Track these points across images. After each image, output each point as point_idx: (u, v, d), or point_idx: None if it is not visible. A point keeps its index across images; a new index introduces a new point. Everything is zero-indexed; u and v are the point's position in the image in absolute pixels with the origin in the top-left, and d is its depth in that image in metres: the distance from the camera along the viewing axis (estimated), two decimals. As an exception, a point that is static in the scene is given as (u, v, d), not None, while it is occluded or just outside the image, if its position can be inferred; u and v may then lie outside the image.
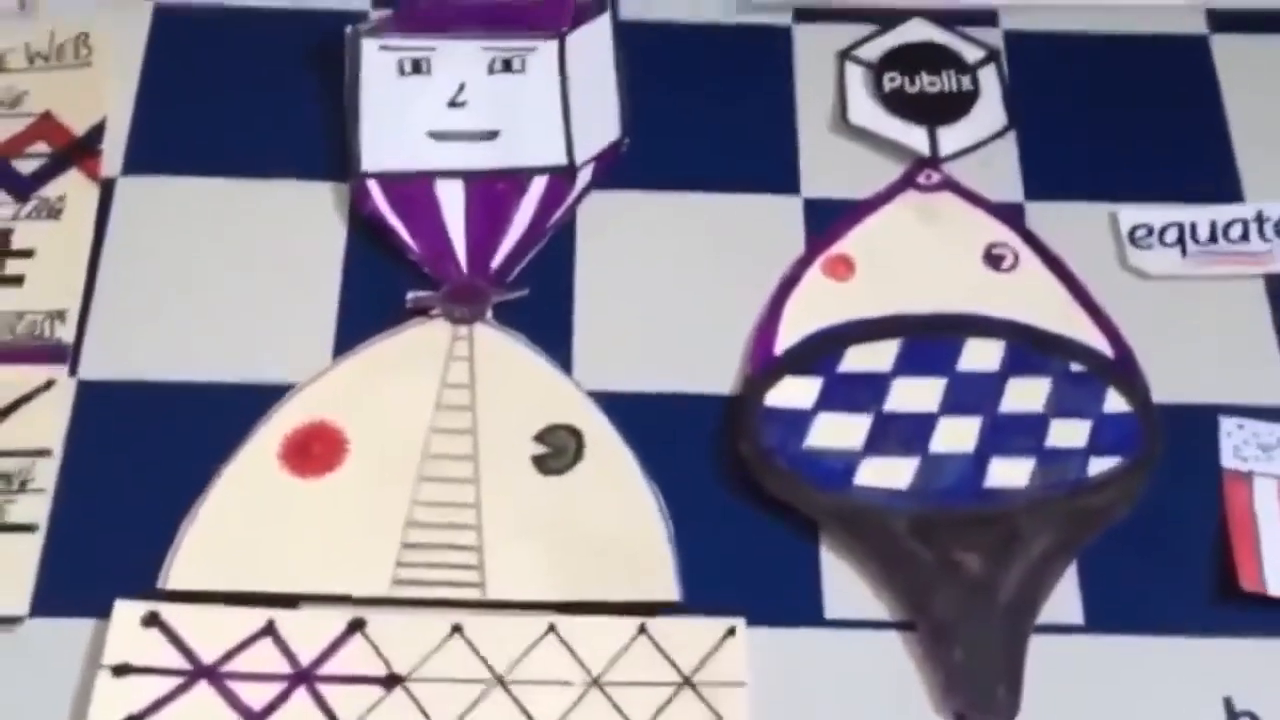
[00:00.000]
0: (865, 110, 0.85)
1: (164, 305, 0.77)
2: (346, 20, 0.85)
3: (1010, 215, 0.81)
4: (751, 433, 0.74)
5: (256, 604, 0.68)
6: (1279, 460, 0.74)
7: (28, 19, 0.85)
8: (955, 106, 0.85)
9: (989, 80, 0.86)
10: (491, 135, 0.83)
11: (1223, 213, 0.81)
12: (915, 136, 0.84)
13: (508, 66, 0.84)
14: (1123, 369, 0.76)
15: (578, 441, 0.73)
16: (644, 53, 0.85)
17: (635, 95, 0.84)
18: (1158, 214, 0.81)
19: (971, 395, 0.75)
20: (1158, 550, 0.72)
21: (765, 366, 0.76)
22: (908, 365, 0.76)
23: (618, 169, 0.82)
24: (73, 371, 0.75)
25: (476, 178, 0.81)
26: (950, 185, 0.82)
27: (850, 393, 0.75)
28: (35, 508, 0.71)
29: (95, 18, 0.85)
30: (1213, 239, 0.80)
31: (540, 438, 0.73)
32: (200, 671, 0.67)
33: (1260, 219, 0.81)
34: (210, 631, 0.67)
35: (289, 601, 0.69)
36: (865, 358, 0.76)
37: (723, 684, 0.67)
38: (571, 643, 0.68)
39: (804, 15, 0.88)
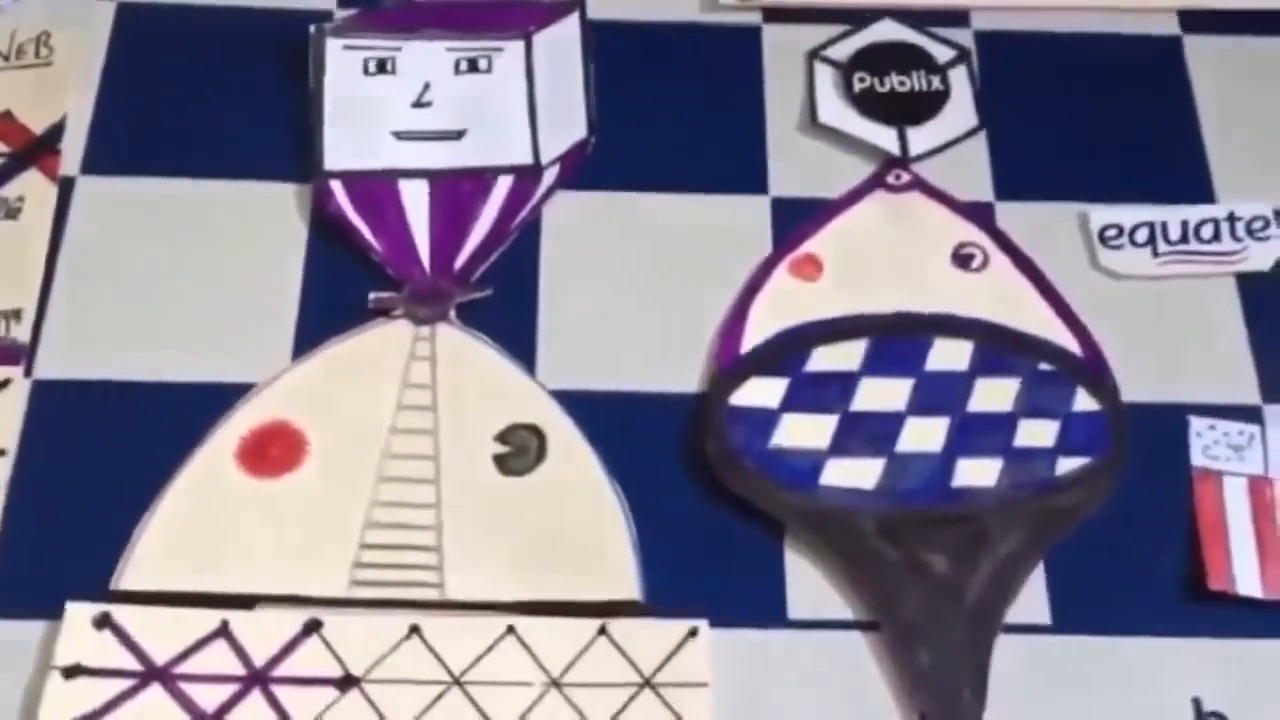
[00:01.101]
0: (835, 110, 0.84)
1: (122, 305, 0.76)
2: (311, 19, 0.84)
3: (980, 215, 0.81)
4: (717, 432, 0.73)
5: (211, 605, 0.67)
6: (1249, 460, 0.73)
7: (-12, 18, 0.85)
8: (925, 106, 0.84)
9: (959, 80, 0.85)
10: (457, 135, 0.82)
11: (1194, 213, 0.81)
12: (885, 136, 0.83)
13: (474, 66, 0.84)
14: (1092, 369, 0.76)
15: (540, 441, 0.72)
16: (611, 52, 0.85)
17: (602, 95, 0.83)
18: (1128, 214, 0.80)
19: (939, 395, 0.74)
20: (1126, 550, 0.71)
21: (731, 366, 0.75)
22: (875, 365, 0.75)
23: (584, 169, 0.81)
24: (28, 371, 0.74)
25: (441, 177, 0.80)
26: (920, 185, 0.82)
27: (817, 393, 0.74)
28: (-12, 508, 0.70)
29: (57, 16, 0.84)
30: (1184, 239, 0.80)
31: (502, 438, 0.73)
32: (152, 673, 0.66)
33: (1231, 219, 0.80)
34: (163, 633, 0.66)
35: (244, 602, 0.68)
36: (832, 358, 0.75)
37: (684, 685, 0.66)
38: (531, 644, 0.67)
39: (773, 15, 0.87)
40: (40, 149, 0.80)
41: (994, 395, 0.74)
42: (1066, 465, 0.72)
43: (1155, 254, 0.79)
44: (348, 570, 0.69)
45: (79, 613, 0.67)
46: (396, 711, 0.65)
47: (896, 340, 0.76)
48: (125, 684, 0.65)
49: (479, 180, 0.80)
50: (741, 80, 0.85)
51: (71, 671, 0.65)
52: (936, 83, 0.85)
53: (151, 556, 0.69)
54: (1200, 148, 0.83)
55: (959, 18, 0.87)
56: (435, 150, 0.81)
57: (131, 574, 0.68)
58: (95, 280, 0.77)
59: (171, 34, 0.85)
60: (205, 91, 0.83)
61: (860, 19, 0.87)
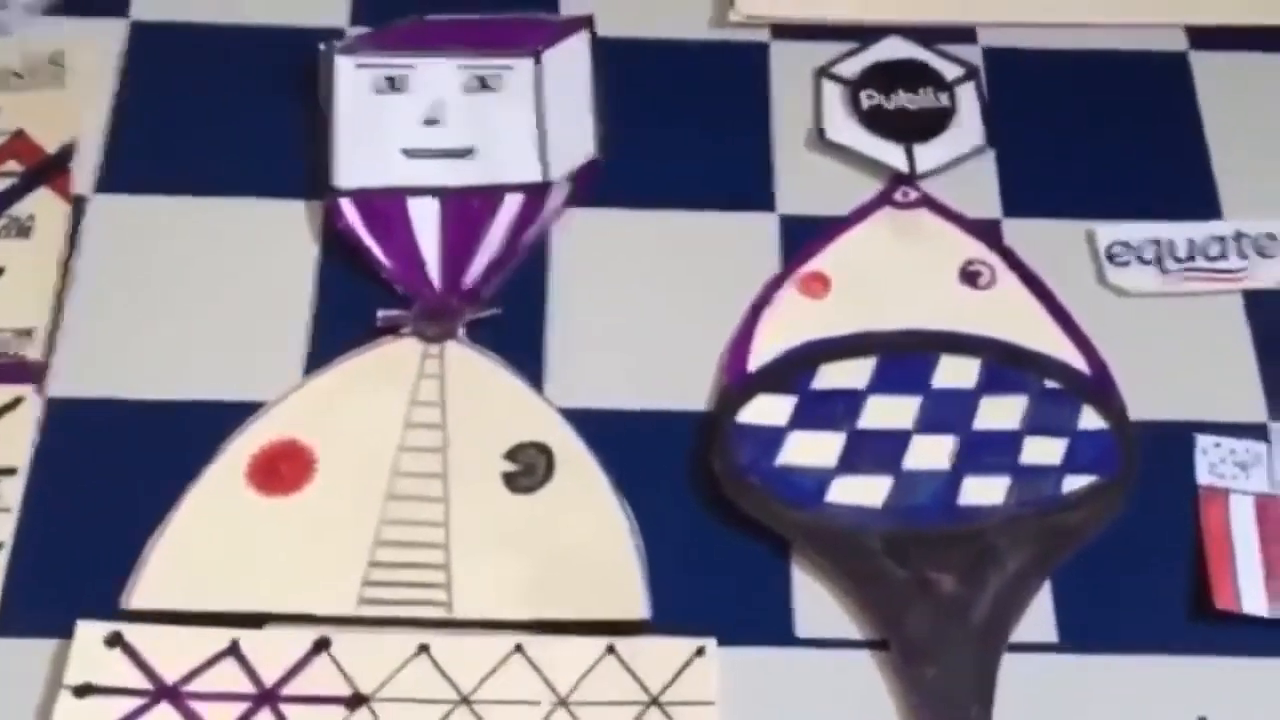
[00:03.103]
0: (843, 127, 0.84)
1: (134, 323, 0.77)
2: (323, 38, 0.85)
3: (988, 232, 0.81)
4: (724, 450, 0.73)
5: (221, 624, 0.68)
6: (1255, 478, 0.73)
7: (1, 37, 0.85)
8: (933, 124, 0.84)
9: (967, 97, 0.85)
10: (467, 153, 0.82)
11: (1201, 230, 0.81)
12: (893, 154, 0.83)
13: (484, 84, 0.84)
14: (1099, 386, 0.76)
15: (548, 459, 0.73)
16: (621, 70, 0.85)
17: (611, 112, 0.84)
18: (1136, 231, 0.81)
19: (946, 413, 0.74)
20: (1132, 568, 0.71)
21: (739, 384, 0.75)
22: (882, 383, 0.75)
23: (593, 186, 0.82)
24: (40, 390, 0.74)
25: (451, 195, 0.81)
26: (928, 202, 0.82)
27: (824, 410, 0.74)
28: (0, 527, 0.70)
29: (70, 36, 0.85)
30: (1190, 256, 0.80)
31: (510, 456, 0.73)
32: (162, 692, 0.66)
33: (1238, 237, 0.81)
34: (173, 651, 0.67)
35: (254, 621, 0.68)
36: (839, 375, 0.76)
37: (691, 703, 0.66)
38: (539, 662, 0.67)
39: (781, 32, 0.87)
40: (53, 168, 0.81)
41: (1001, 413, 0.74)
42: (1073, 483, 0.73)
43: (1162, 271, 0.80)
44: (357, 589, 0.69)
45: (90, 632, 0.67)
46: (405, 730, 0.65)
47: (904, 358, 0.76)
48: (136, 703, 0.66)
49: (488, 198, 0.81)
50: (750, 97, 0.85)
51: (82, 690, 0.66)
52: (944, 99, 0.85)
53: (162, 575, 0.69)
54: (1208, 165, 0.84)
55: (967, 35, 0.88)
56: (445, 168, 0.82)
57: (142, 593, 0.69)
58: (107, 298, 0.77)
59: (183, 53, 0.86)
60: (217, 109, 0.84)
61: (868, 36, 0.87)
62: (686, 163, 0.83)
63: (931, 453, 0.73)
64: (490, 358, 0.76)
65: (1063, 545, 0.71)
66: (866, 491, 0.72)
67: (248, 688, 0.66)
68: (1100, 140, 0.85)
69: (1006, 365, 0.76)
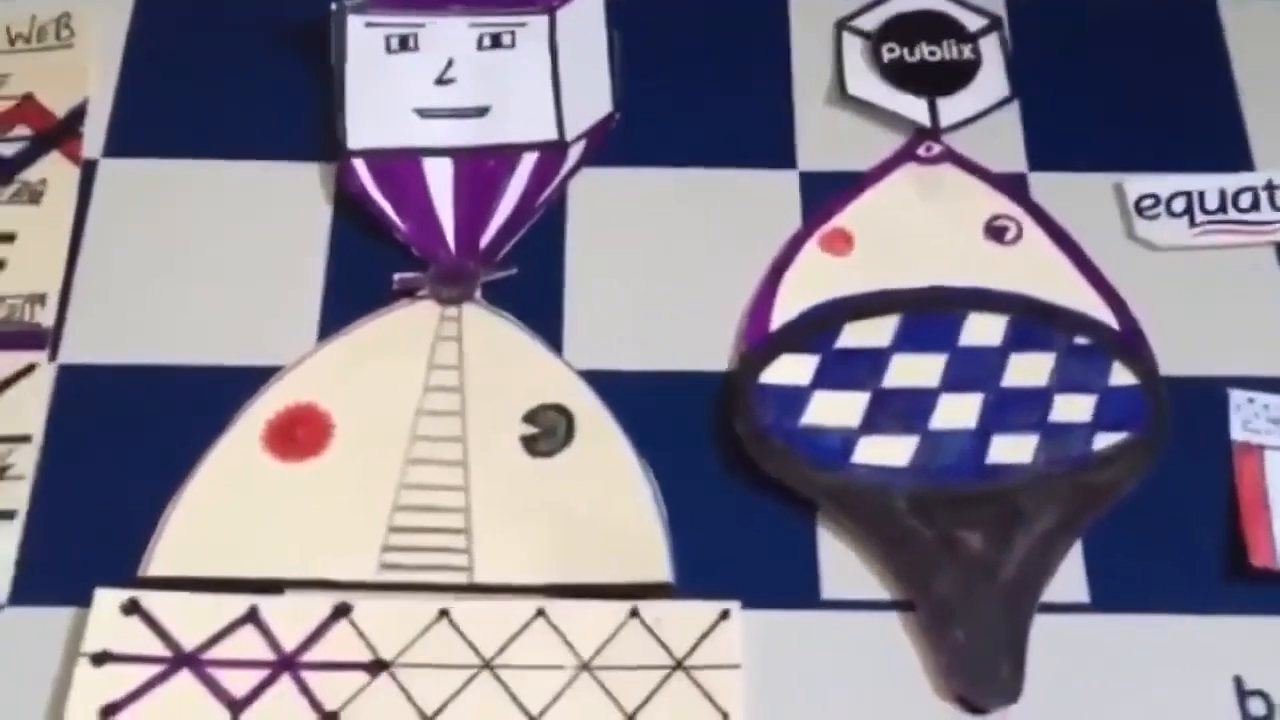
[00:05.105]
0: (864, 81, 0.83)
1: (146, 288, 0.76)
2: (334, -3, 0.83)
3: (1013, 187, 0.79)
4: (747, 411, 0.72)
5: (239, 590, 0.67)
6: (1291, 433, 0.72)
7: (8, 0, 0.84)
8: (956, 76, 0.83)
9: (991, 49, 0.84)
10: (481, 112, 0.81)
11: (1232, 181, 0.79)
12: (915, 108, 0.82)
13: (497, 42, 0.83)
14: (1129, 342, 0.74)
15: (568, 422, 0.72)
16: (636, 25, 0.83)
17: (627, 69, 0.82)
18: (1165, 183, 0.79)
19: (973, 370, 0.73)
20: (1165, 527, 0.70)
21: (761, 343, 0.74)
22: (907, 341, 0.74)
23: (610, 144, 0.80)
24: (53, 356, 0.73)
25: (465, 155, 0.80)
26: (951, 157, 0.80)
27: (848, 369, 0.73)
28: (15, 495, 0.69)
29: (78, -2, 0.84)
30: (1221, 208, 0.78)
31: (530, 419, 0.72)
32: (181, 659, 0.65)
33: (1270, 187, 0.79)
34: (192, 618, 0.66)
35: (273, 587, 0.67)
36: (863, 333, 0.74)
37: (716, 667, 0.65)
38: (561, 627, 0.66)
39: (801, -16, 0.86)
40: (62, 132, 0.80)
41: (1029, 370, 0.73)
42: (1103, 441, 0.71)
43: (1192, 224, 0.78)
44: (376, 554, 0.68)
45: (107, 599, 0.66)
46: (427, 696, 0.64)
47: (929, 315, 0.75)
48: (154, 670, 0.65)
49: (503, 157, 0.79)
50: (769, 52, 0.84)
51: (100, 658, 0.65)
52: (967, 52, 0.83)
53: (179, 542, 0.68)
54: (1238, 114, 0.82)
55: (990, -16, 0.86)
56: (459, 127, 0.80)
57: (159, 560, 0.68)
58: (119, 263, 0.76)
59: (193, 12, 0.84)
60: (227, 71, 0.83)
61: (890, -13, 0.86)
62: (705, 119, 0.81)
63: (959, 411, 0.72)
64: (508, 320, 0.75)
65: (1093, 504, 0.70)
66: (892, 451, 0.71)
67: (267, 654, 0.65)
68: (1128, 90, 0.83)
69: (1034, 321, 0.74)
